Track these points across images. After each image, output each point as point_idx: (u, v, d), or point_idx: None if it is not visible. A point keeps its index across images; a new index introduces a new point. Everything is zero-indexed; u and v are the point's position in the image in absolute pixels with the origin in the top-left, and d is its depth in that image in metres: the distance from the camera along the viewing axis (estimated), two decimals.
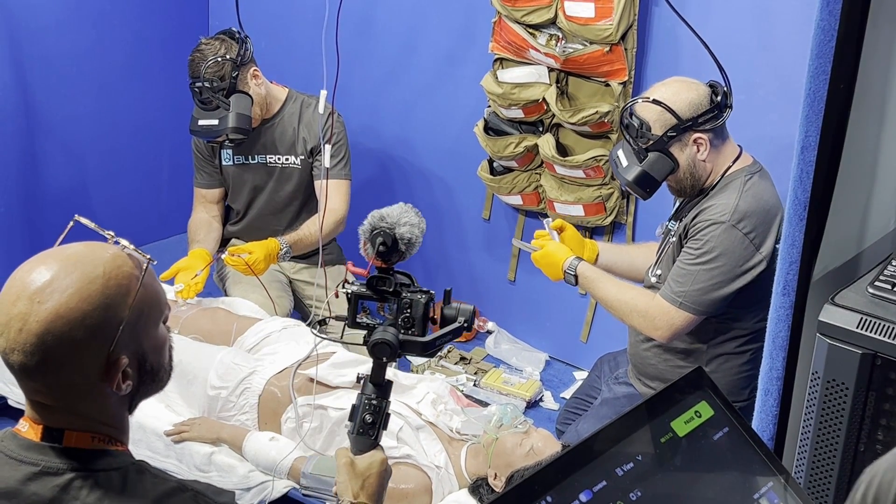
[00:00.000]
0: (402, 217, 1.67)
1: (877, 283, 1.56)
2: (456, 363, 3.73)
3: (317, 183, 3.46)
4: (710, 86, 2.54)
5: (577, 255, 2.71)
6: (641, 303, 2.58)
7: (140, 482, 1.36)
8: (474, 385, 3.59)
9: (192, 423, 2.83)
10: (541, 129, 3.52)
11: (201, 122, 3.27)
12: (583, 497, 1.18)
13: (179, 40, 4.19)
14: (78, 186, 4.07)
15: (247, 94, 3.27)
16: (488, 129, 3.59)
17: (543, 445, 2.58)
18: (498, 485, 2.56)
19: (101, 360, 1.30)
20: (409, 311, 1.65)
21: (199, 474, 2.72)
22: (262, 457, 2.70)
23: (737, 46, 2.97)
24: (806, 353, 1.59)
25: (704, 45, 2.55)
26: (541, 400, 3.60)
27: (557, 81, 3.37)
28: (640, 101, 2.55)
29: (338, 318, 1.73)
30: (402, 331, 1.65)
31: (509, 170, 3.60)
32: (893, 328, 1.47)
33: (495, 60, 3.47)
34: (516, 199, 3.64)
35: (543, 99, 3.37)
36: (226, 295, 3.53)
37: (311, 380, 2.80)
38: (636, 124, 2.53)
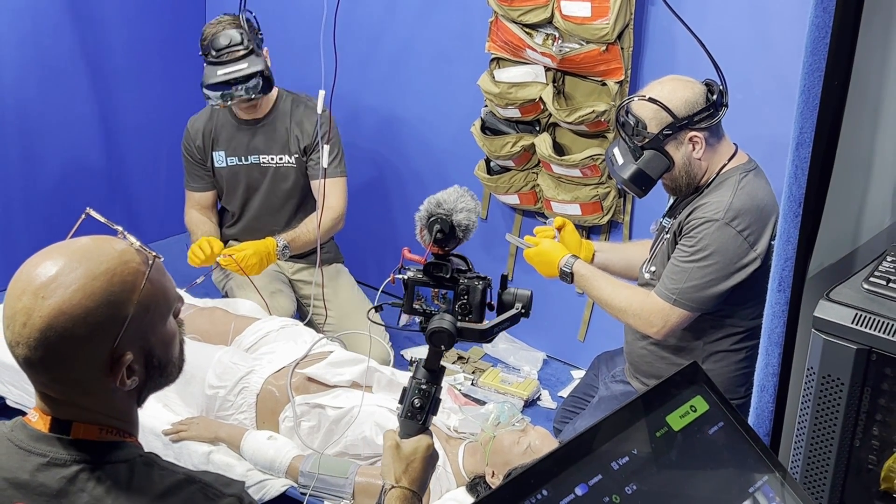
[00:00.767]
0: (458, 202, 1.64)
1: (871, 279, 1.56)
2: (453, 362, 3.74)
3: (313, 182, 3.46)
4: (707, 84, 2.54)
5: (574, 254, 2.71)
6: (636, 300, 2.59)
7: (147, 475, 1.36)
8: (472, 384, 3.59)
9: (190, 422, 2.83)
10: (537, 128, 3.52)
11: (223, 72, 3.16)
12: (578, 491, 1.19)
13: (177, 41, 4.21)
14: (76, 187, 4.07)
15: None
16: (485, 128, 3.59)
17: (541, 443, 2.59)
18: (495, 483, 2.56)
19: (104, 356, 1.30)
20: (466, 297, 1.63)
21: None
22: (260, 456, 2.70)
23: (733, 45, 2.98)
24: (801, 349, 1.60)
25: (700, 44, 2.56)
26: (538, 399, 3.61)
27: (554, 81, 3.38)
28: (636, 98, 2.55)
29: (394, 305, 1.70)
30: (460, 317, 1.63)
31: (506, 169, 3.61)
32: (888, 324, 1.47)
33: (492, 60, 3.47)
34: (513, 199, 3.65)
35: (540, 98, 3.37)
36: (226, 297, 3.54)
37: (309, 379, 2.81)
38: (632, 122, 2.54)
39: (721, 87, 2.53)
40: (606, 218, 3.47)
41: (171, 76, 4.25)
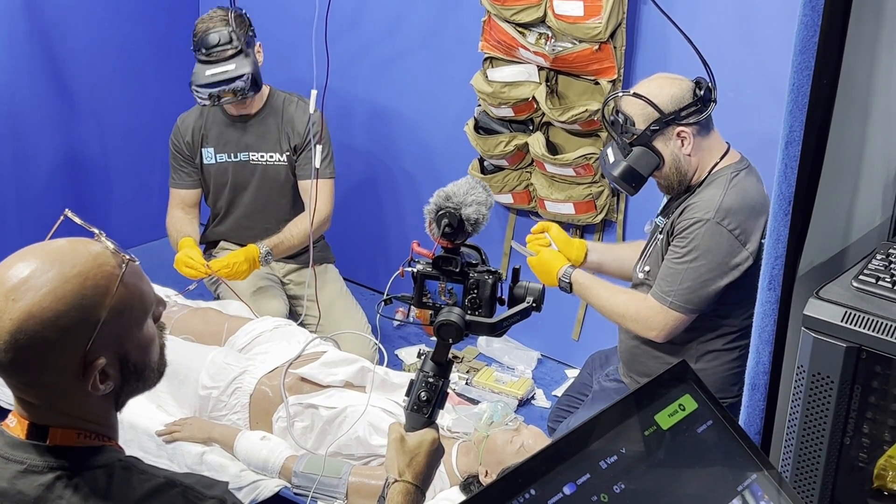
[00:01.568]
0: (468, 196, 1.60)
1: (861, 277, 1.56)
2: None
3: (301, 182, 3.46)
4: (696, 82, 2.54)
5: (569, 259, 2.72)
6: (633, 306, 2.60)
7: (127, 479, 1.34)
8: (466, 384, 3.59)
9: (183, 423, 2.83)
10: (531, 127, 3.52)
11: (211, 72, 3.18)
12: (567, 490, 1.19)
13: (170, 42, 4.20)
14: (68, 187, 4.07)
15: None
16: (479, 127, 3.59)
17: (534, 443, 2.59)
18: (489, 482, 2.56)
19: (76, 360, 1.28)
20: (475, 291, 1.61)
21: None
22: (253, 456, 2.70)
23: (723, 44, 2.98)
24: (792, 347, 1.60)
25: (690, 43, 2.56)
26: (533, 398, 3.61)
27: (547, 80, 3.38)
28: (621, 94, 2.56)
29: (402, 299, 1.67)
30: (469, 311, 1.61)
31: (500, 168, 3.61)
32: (878, 322, 1.47)
33: (485, 59, 3.47)
34: (507, 198, 3.65)
35: (533, 97, 3.37)
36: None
37: (302, 379, 2.80)
38: (620, 120, 2.54)
39: (709, 84, 2.53)
40: (600, 217, 3.47)
41: (164, 77, 4.25)
